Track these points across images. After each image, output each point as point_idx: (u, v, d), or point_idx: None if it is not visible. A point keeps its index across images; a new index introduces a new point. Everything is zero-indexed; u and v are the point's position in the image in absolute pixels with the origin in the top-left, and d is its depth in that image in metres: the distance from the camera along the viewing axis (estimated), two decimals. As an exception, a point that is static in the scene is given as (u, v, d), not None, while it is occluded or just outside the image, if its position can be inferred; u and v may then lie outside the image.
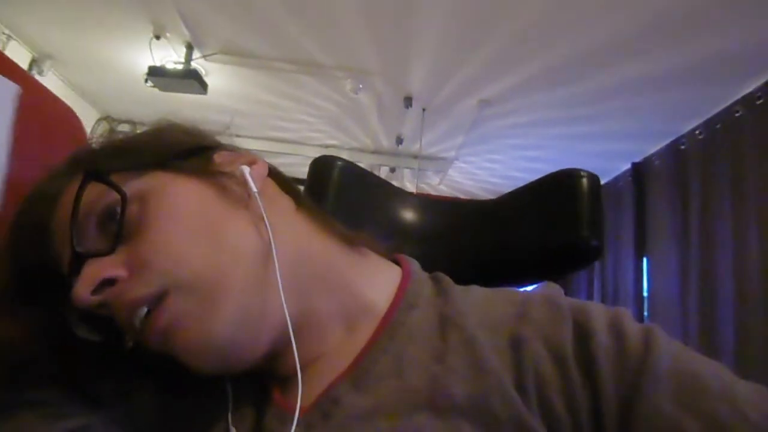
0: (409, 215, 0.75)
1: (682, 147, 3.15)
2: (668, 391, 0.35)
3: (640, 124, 3.21)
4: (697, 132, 3.01)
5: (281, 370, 0.43)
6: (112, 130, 0.48)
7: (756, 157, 2.52)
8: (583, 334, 0.39)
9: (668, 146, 3.29)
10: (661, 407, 0.34)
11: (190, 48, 2.86)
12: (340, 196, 0.53)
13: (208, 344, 0.38)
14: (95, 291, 0.38)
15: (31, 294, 0.41)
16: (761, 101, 2.52)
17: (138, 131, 0.48)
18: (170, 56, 2.91)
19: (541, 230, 0.68)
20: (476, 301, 0.45)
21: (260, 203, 0.42)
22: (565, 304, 0.42)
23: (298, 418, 0.37)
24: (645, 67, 2.57)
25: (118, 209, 0.39)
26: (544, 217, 0.68)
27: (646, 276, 3.45)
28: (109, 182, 0.39)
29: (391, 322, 0.44)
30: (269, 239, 0.41)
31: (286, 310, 0.40)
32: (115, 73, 3.28)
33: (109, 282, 0.38)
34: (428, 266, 0.52)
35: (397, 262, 0.52)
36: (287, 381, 0.43)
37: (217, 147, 0.47)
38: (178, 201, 0.41)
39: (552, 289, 0.46)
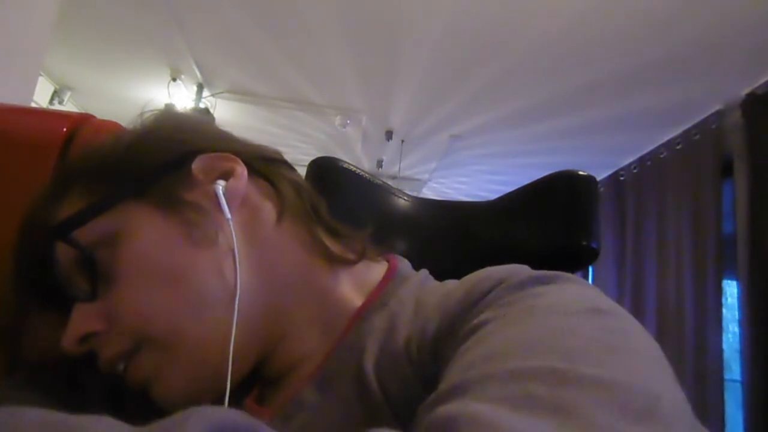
0: (407, 216, 0.72)
1: (622, 178, 3.64)
2: (490, 301, 0.33)
3: (589, 158, 3.67)
4: (632, 167, 3.51)
5: (264, 373, 0.45)
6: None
7: (675, 190, 3.03)
8: (472, 283, 0.37)
9: (611, 176, 3.75)
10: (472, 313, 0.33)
11: (200, 87, 3.20)
12: (339, 196, 0.49)
13: (173, 396, 0.40)
14: (80, 342, 0.40)
15: (45, 306, 0.43)
16: (680, 146, 3.06)
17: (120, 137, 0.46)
18: (182, 93, 3.26)
19: (538, 232, 0.65)
20: (435, 289, 0.43)
21: (233, 233, 0.41)
22: (491, 272, 0.38)
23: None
24: (593, 114, 3.05)
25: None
26: (542, 219, 0.66)
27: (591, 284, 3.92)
28: (74, 243, 0.40)
29: (358, 320, 0.42)
30: (236, 279, 0.40)
31: (232, 344, 0.39)
32: (130, 105, 3.55)
33: (92, 334, 0.40)
34: (424, 267, 0.50)
35: (389, 261, 0.50)
36: (268, 385, 0.45)
37: (196, 152, 0.44)
38: (143, 250, 0.40)
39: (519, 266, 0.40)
